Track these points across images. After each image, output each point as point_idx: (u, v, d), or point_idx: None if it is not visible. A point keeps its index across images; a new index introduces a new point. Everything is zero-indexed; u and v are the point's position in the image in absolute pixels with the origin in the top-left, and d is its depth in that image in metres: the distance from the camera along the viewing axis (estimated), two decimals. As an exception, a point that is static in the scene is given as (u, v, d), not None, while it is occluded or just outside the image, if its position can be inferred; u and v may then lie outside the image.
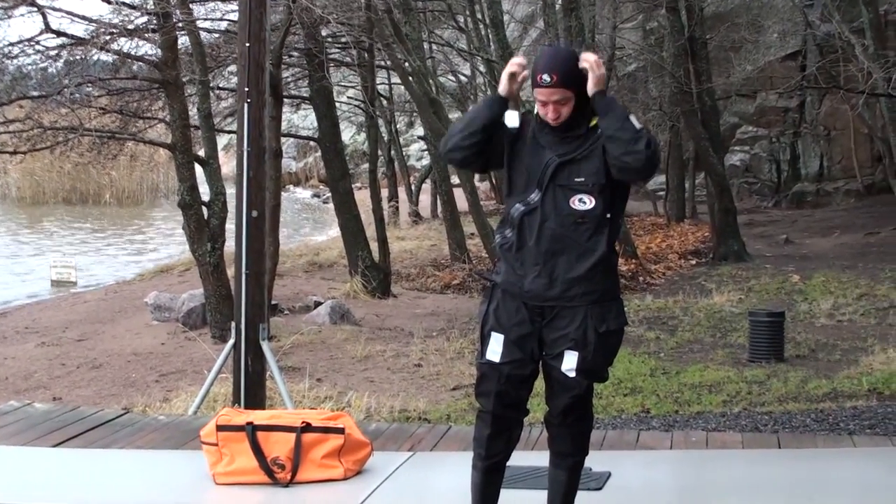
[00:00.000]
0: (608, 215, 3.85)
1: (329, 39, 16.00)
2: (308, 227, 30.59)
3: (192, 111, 12.57)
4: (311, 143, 27.73)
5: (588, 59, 3.86)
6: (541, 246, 3.85)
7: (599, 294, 3.87)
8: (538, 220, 3.85)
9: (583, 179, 3.82)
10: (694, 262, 18.49)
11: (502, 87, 3.93)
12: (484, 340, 3.96)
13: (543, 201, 3.84)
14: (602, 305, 3.88)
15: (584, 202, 3.82)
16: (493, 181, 27.46)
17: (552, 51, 3.97)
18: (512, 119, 3.94)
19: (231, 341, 7.24)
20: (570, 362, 3.86)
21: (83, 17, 11.83)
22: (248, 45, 7.18)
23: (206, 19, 14.56)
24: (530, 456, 5.11)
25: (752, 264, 17.47)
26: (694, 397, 8.86)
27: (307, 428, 5.07)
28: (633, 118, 3.78)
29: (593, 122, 3.86)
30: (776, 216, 24.44)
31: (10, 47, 11.84)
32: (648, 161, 3.72)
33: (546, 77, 3.80)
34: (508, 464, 4.12)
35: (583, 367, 3.86)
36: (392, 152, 26.95)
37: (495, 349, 3.91)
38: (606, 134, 3.79)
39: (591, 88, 3.84)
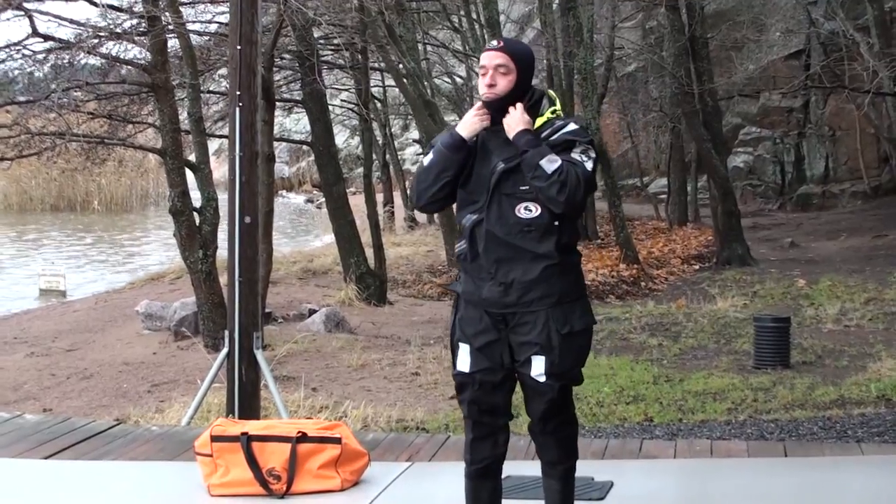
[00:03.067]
0: (556, 223, 3.82)
1: (321, 41, 15.94)
2: (302, 233, 30.51)
3: (183, 115, 12.44)
4: (304, 147, 27.83)
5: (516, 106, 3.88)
6: (490, 255, 3.85)
7: (558, 296, 3.84)
8: (485, 229, 3.85)
9: (527, 187, 3.80)
10: (697, 266, 18.59)
11: (469, 132, 3.91)
12: (454, 352, 3.99)
13: (489, 210, 3.84)
14: (564, 307, 3.85)
15: (529, 210, 3.81)
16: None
17: None
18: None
19: (224, 350, 7.17)
20: (538, 367, 3.83)
21: (71, 21, 11.74)
22: (239, 47, 7.10)
23: (195, 22, 14.48)
24: (531, 466, 4.96)
25: (756, 269, 17.49)
26: (698, 405, 8.81)
27: (303, 438, 5.03)
28: (545, 161, 3.74)
29: (537, 125, 3.86)
30: (781, 219, 24.48)
31: (-3, 52, 11.68)
32: (566, 205, 3.74)
33: (494, 43, 3.91)
34: (510, 474, 4.18)
35: (551, 371, 3.83)
36: (387, 156, 26.96)
37: (464, 359, 3.93)
38: (525, 172, 3.80)
39: (517, 123, 3.82)
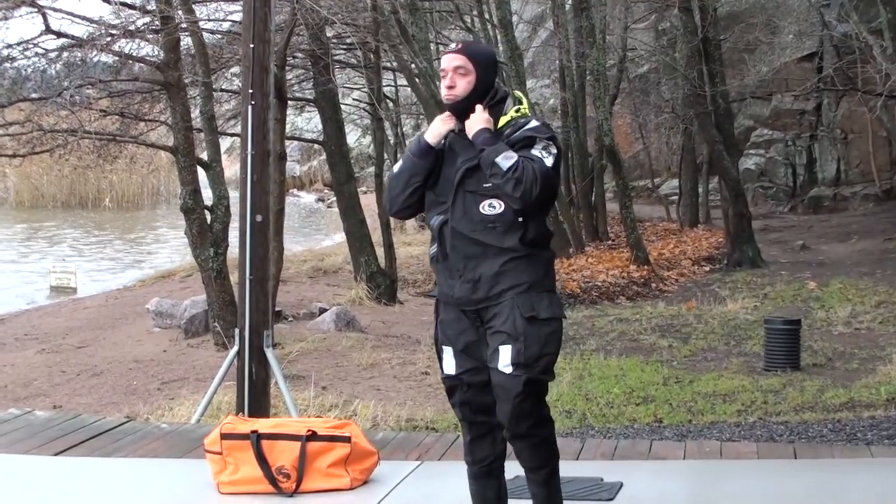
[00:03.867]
0: (520, 219, 3.85)
1: (334, 40, 15.94)
2: (313, 231, 30.50)
3: (195, 113, 12.45)
4: (316, 146, 27.84)
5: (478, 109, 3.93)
6: (458, 252, 3.89)
7: (526, 286, 3.86)
8: (451, 227, 3.90)
9: (490, 185, 3.84)
10: (708, 268, 18.55)
11: (434, 137, 3.96)
12: (439, 356, 4.03)
13: (454, 208, 3.89)
14: (531, 295, 3.86)
15: (493, 206, 3.85)
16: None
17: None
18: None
19: (235, 348, 7.18)
20: (505, 357, 3.82)
21: (84, 18, 11.75)
22: (252, 46, 7.12)
23: (208, 20, 14.48)
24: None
25: (767, 271, 17.45)
26: (708, 407, 8.81)
27: (313, 436, 5.04)
28: (501, 158, 3.79)
29: (501, 124, 3.91)
30: (792, 221, 24.40)
31: (10, 49, 11.75)
32: (522, 201, 3.78)
33: (453, 45, 3.97)
34: (520, 473, 4.09)
35: (518, 361, 3.80)
36: (398, 155, 26.80)
37: (449, 362, 3.97)
38: (483, 170, 3.86)
39: (477, 123, 3.87)
